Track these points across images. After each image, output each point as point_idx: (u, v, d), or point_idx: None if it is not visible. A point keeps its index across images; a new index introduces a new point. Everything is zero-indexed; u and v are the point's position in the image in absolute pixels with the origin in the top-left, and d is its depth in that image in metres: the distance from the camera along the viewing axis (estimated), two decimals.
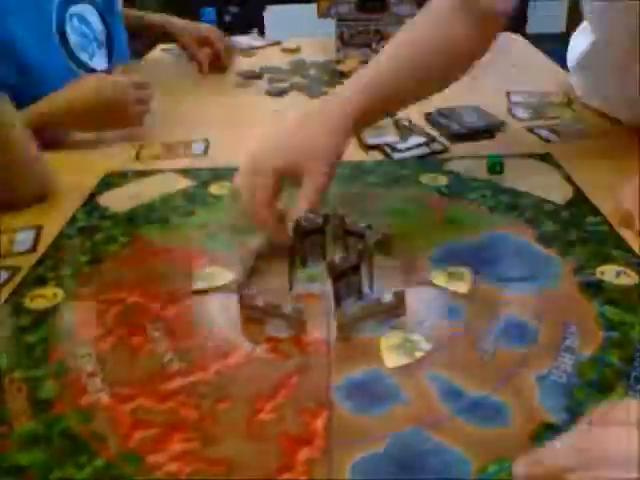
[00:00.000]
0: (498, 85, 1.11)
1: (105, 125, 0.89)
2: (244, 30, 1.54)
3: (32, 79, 0.88)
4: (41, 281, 0.59)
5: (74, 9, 0.96)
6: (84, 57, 0.97)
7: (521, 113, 0.96)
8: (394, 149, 0.84)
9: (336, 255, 0.56)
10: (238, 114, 1.02)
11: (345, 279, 0.52)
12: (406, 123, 0.91)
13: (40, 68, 0.89)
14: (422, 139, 0.87)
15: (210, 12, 2.43)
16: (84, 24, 0.97)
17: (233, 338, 0.51)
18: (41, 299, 0.56)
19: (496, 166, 0.73)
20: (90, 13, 0.99)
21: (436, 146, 0.85)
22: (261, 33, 2.66)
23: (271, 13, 2.90)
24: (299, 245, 0.53)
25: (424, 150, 0.84)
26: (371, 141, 0.85)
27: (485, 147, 0.85)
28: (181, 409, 0.45)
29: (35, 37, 0.90)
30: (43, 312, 0.55)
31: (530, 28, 2.51)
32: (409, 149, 0.84)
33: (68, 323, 0.54)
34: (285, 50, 1.41)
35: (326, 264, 0.53)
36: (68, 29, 0.94)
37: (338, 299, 0.53)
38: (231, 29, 1.57)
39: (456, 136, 0.87)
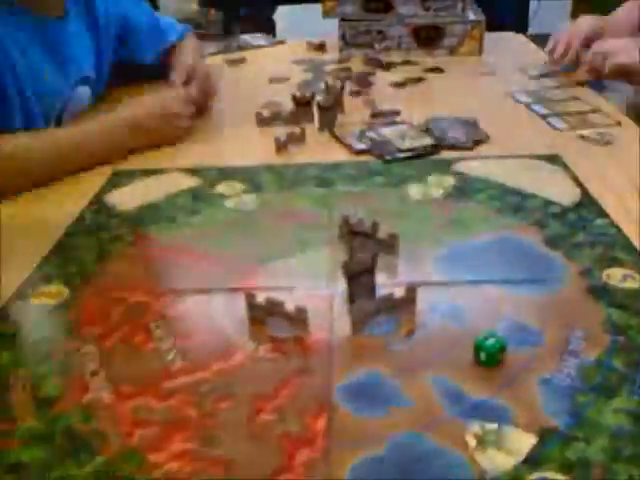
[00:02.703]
0: (503, 86, 1.10)
1: (156, 140, 0.89)
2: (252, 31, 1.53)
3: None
4: (46, 279, 0.60)
5: (79, 90, 0.96)
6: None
7: (559, 123, 0.93)
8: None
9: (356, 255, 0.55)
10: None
11: (358, 280, 0.52)
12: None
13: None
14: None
15: None
16: (80, 104, 0.98)
17: (235, 338, 0.51)
18: (45, 297, 0.57)
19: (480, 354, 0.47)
20: (86, 95, 1.00)
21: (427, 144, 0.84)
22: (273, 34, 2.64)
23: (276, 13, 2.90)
24: (349, 286, 0.53)
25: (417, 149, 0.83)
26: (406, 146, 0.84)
27: (493, 149, 0.85)
28: (182, 408, 0.45)
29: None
30: (47, 310, 0.55)
31: (533, 28, 2.49)
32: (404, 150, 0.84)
33: (72, 321, 0.54)
34: (310, 46, 1.40)
35: (341, 266, 0.52)
36: (70, 106, 0.95)
37: (352, 300, 0.53)
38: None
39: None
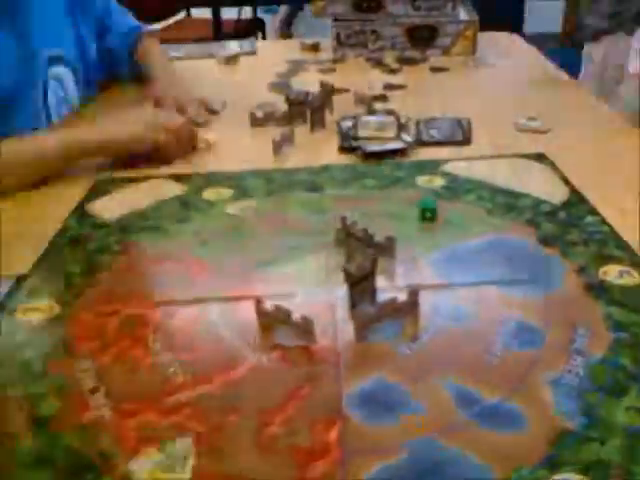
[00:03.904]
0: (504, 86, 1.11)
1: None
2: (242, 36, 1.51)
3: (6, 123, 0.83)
4: (34, 294, 0.57)
5: (54, 70, 0.93)
6: (54, 119, 0.95)
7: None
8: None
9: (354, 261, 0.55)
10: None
11: (359, 285, 0.51)
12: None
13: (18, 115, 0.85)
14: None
15: None
16: (61, 88, 0.95)
17: (238, 348, 0.50)
18: (36, 312, 0.55)
19: (426, 213, 0.67)
20: (69, 79, 0.96)
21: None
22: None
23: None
24: (350, 292, 0.52)
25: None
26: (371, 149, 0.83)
27: (481, 150, 0.85)
28: (187, 423, 0.43)
29: (21, 89, 0.86)
30: (37, 326, 0.53)
31: (528, 28, 2.53)
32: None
33: (65, 337, 0.52)
34: (304, 46, 1.39)
35: (342, 271, 0.51)
36: (49, 89, 0.91)
37: (353, 306, 0.52)
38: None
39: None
